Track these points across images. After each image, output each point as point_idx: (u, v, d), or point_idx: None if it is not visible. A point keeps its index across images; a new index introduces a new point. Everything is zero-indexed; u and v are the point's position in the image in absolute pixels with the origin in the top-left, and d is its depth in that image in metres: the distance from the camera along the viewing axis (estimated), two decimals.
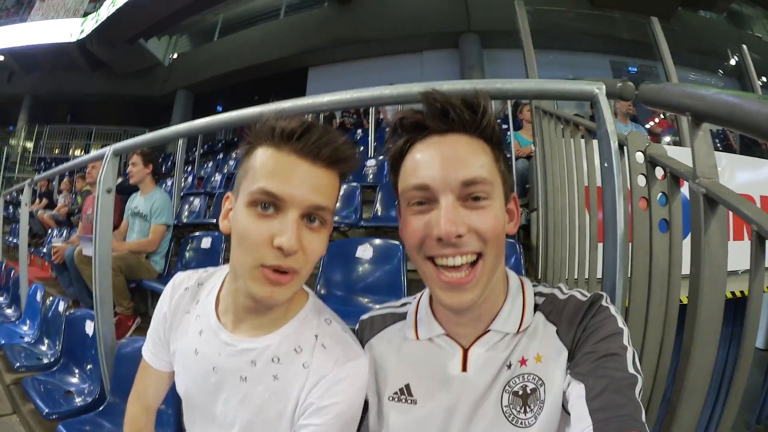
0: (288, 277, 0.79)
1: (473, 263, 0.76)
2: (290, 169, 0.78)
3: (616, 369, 0.69)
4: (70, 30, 13.89)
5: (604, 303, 0.79)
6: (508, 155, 4.15)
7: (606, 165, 1.19)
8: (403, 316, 0.94)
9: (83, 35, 13.53)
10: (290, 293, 0.82)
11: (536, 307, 0.84)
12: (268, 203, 0.77)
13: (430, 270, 0.78)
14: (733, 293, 3.01)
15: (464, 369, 0.83)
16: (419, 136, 0.79)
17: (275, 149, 0.80)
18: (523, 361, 0.80)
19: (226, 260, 0.97)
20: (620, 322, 0.76)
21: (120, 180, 4.43)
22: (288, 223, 0.76)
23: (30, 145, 16.44)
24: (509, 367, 0.80)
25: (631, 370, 0.69)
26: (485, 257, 0.75)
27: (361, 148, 6.76)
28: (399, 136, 0.82)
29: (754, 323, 0.99)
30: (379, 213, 4.02)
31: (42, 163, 15.41)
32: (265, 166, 0.79)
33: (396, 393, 0.87)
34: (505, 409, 0.78)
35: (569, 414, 0.71)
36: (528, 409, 0.77)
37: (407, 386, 0.86)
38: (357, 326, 1.00)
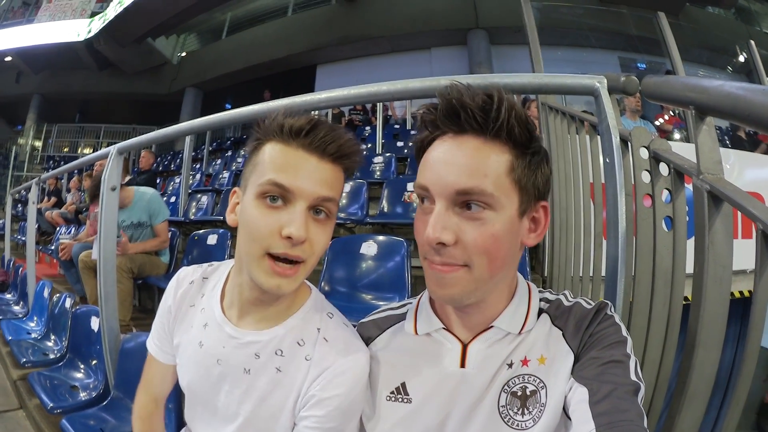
0: (294, 269, 0.82)
1: None
2: (299, 163, 0.82)
3: (620, 375, 0.69)
4: (77, 29, 13.91)
5: (609, 312, 0.80)
6: None
7: (608, 161, 1.17)
8: (402, 317, 0.94)
9: (91, 35, 13.56)
10: (297, 284, 0.85)
11: (542, 312, 0.84)
12: (277, 195, 0.80)
13: (425, 265, 0.78)
14: (741, 293, 2.98)
15: (462, 365, 0.82)
16: (438, 133, 0.78)
17: (284, 145, 0.83)
18: (525, 362, 0.79)
19: (232, 256, 1.00)
20: (624, 331, 0.77)
21: (128, 178, 4.46)
22: (296, 213, 0.80)
23: (39, 143, 16.47)
24: (510, 366, 0.79)
25: (633, 377, 0.69)
26: (472, 268, 0.73)
27: (369, 144, 6.78)
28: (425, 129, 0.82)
29: (759, 324, 0.97)
30: (386, 210, 4.01)
31: (51, 162, 15.45)
32: (275, 160, 0.82)
33: (392, 392, 0.86)
34: (501, 409, 0.77)
35: (569, 418, 0.71)
36: (526, 412, 0.76)
37: (403, 385, 0.86)
38: (356, 329, 0.98)
